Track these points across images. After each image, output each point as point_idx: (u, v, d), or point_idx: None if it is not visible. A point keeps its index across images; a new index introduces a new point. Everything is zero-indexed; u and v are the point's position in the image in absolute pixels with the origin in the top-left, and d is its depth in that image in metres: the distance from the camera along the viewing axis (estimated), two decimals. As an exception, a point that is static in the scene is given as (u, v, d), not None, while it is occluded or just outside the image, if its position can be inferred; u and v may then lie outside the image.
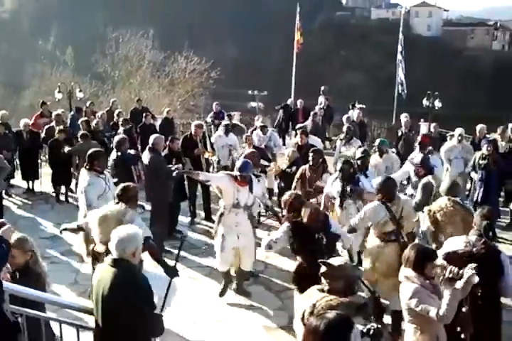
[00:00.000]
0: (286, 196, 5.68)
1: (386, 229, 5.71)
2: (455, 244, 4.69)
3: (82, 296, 6.22)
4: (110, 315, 3.68)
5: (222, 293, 6.69)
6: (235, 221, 6.49)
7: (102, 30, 36.70)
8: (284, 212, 5.99)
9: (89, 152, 6.99)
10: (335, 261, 3.93)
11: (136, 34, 33.48)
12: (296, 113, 15.59)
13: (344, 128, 10.82)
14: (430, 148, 8.97)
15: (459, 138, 10.27)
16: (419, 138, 9.15)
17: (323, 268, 3.86)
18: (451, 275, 4.00)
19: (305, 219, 5.31)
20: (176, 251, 5.44)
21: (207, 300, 6.66)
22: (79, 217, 6.97)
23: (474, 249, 4.54)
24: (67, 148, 10.51)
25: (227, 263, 6.67)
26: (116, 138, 8.79)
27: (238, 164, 6.50)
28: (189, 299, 6.56)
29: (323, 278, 3.83)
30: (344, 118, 12.85)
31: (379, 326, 3.42)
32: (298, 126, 10.56)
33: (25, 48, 48.55)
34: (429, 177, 7.18)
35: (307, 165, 8.01)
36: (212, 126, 14.34)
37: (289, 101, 17.17)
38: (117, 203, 5.43)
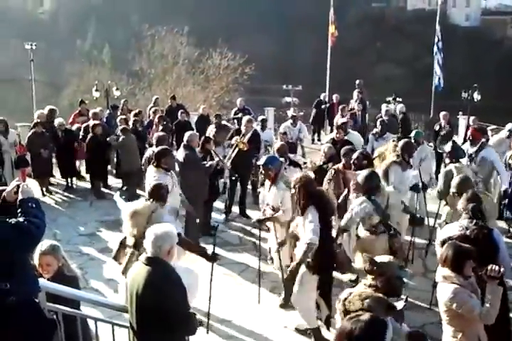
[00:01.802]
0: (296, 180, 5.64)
1: (373, 222, 5.81)
2: (450, 229, 5.03)
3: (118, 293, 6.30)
4: (144, 313, 3.70)
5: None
6: None
7: (138, 29, 37.06)
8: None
9: (157, 150, 7.13)
10: (380, 259, 3.87)
11: (171, 31, 33.72)
12: (331, 108, 15.45)
13: (378, 122, 10.57)
14: (483, 140, 8.74)
15: (508, 133, 9.97)
16: (469, 132, 8.89)
17: (367, 264, 3.82)
18: (492, 274, 3.89)
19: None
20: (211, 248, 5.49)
21: (242, 297, 6.67)
22: None
23: (468, 232, 4.84)
24: (110, 139, 10.79)
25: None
26: (156, 136, 8.90)
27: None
28: (224, 297, 6.56)
29: (368, 274, 3.80)
30: (383, 111, 12.58)
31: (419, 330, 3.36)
32: (339, 121, 10.36)
33: (63, 48, 49.48)
34: (452, 166, 7.08)
35: (340, 165, 7.57)
36: (236, 122, 14.32)
37: (322, 96, 17.03)
38: (148, 200, 5.56)
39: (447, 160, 7.47)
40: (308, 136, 11.10)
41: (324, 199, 5.51)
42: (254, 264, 7.37)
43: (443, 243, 4.72)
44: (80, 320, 3.88)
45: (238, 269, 7.51)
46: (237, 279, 7.23)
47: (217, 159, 8.65)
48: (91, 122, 11.41)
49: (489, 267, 3.93)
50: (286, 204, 6.24)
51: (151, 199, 5.54)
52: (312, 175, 8.39)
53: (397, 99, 15.18)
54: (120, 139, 10.76)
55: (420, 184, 7.64)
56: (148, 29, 33.92)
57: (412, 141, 8.77)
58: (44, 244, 4.21)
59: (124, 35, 47.32)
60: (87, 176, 11.68)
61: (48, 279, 4.13)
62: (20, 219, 3.33)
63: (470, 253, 4.15)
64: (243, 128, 9.61)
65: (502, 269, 3.92)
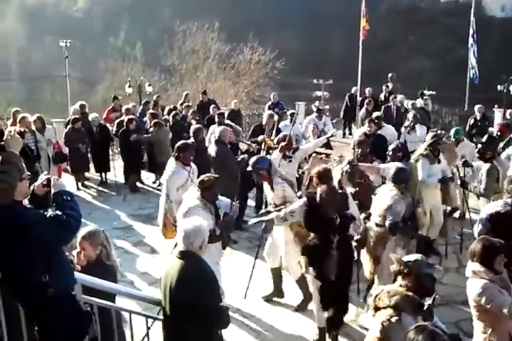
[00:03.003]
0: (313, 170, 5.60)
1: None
2: (494, 206, 5.36)
3: (153, 286, 6.40)
4: (178, 306, 3.75)
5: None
6: None
7: (170, 25, 37.26)
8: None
9: (179, 143, 7.18)
10: (407, 257, 3.79)
11: (202, 27, 33.83)
12: (363, 101, 15.31)
13: (409, 116, 10.47)
14: (511, 136, 8.61)
15: (540, 127, 9.78)
16: (496, 128, 8.79)
17: (394, 266, 3.75)
18: None
19: (318, 197, 5.16)
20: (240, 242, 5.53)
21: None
22: (160, 203, 7.17)
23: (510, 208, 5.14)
24: (136, 136, 11.02)
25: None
26: (193, 128, 9.03)
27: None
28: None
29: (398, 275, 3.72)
30: (409, 105, 12.57)
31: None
32: (374, 114, 10.31)
33: (97, 45, 50.12)
34: (494, 162, 6.97)
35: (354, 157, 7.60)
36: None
37: (353, 90, 16.90)
38: (197, 190, 5.52)
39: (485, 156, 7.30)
40: (334, 130, 11.03)
41: (323, 198, 5.17)
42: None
43: (490, 216, 5.19)
44: (114, 313, 3.95)
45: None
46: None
47: (245, 147, 8.81)
48: (125, 117, 11.60)
49: None
50: (291, 196, 6.16)
51: (199, 194, 5.48)
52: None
53: (425, 93, 14.96)
54: (154, 133, 10.96)
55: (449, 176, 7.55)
56: (179, 25, 34.07)
57: (453, 139, 8.71)
58: (85, 229, 4.30)
59: (155, 31, 47.69)
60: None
61: (83, 266, 4.23)
62: (58, 212, 3.41)
63: (500, 248, 4.09)
64: (264, 124, 9.62)
65: None
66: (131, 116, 11.49)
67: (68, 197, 3.57)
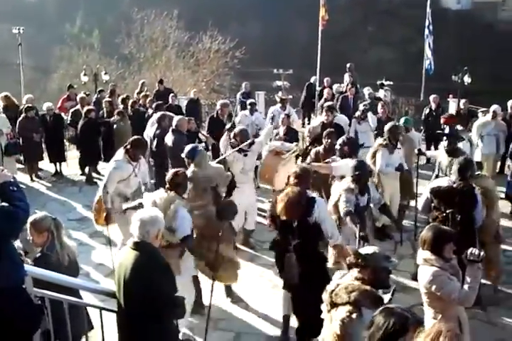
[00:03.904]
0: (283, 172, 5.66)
1: None
2: (440, 182, 5.88)
3: (109, 277, 6.31)
4: (132, 297, 3.70)
5: None
6: None
7: (127, 12, 36.53)
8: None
9: (134, 138, 6.97)
10: (364, 250, 3.76)
11: (161, 15, 33.31)
12: (322, 91, 15.38)
13: (360, 106, 10.41)
14: (459, 127, 8.82)
15: (493, 114, 10.06)
16: (442, 120, 9.05)
17: (351, 257, 3.71)
18: (471, 258, 3.89)
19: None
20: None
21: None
22: (98, 191, 7.00)
23: (455, 185, 5.63)
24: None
25: None
26: (159, 115, 8.99)
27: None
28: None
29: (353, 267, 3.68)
30: (366, 94, 12.57)
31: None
32: (326, 103, 10.29)
33: (52, 32, 48.71)
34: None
35: (321, 148, 7.65)
36: (239, 106, 14.27)
37: (312, 80, 16.92)
38: (167, 189, 5.33)
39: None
40: (298, 120, 11.02)
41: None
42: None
43: (433, 190, 5.75)
44: (67, 305, 3.85)
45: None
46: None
47: (204, 138, 8.78)
48: (80, 107, 11.37)
49: (469, 251, 3.93)
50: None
51: (169, 190, 5.31)
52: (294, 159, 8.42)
53: (385, 83, 15.12)
54: (117, 122, 10.72)
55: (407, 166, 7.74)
56: (137, 12, 33.48)
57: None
58: (33, 216, 4.16)
59: (113, 18, 46.65)
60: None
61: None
62: (5, 204, 3.29)
63: (450, 236, 4.16)
64: (219, 113, 9.64)
65: (482, 253, 3.92)
66: (90, 107, 11.24)
67: (15, 187, 3.46)
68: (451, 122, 8.96)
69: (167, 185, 5.36)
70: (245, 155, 7.22)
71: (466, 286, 3.92)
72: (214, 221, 5.57)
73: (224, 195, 6.99)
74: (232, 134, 7.56)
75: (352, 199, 5.70)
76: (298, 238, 5.07)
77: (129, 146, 6.78)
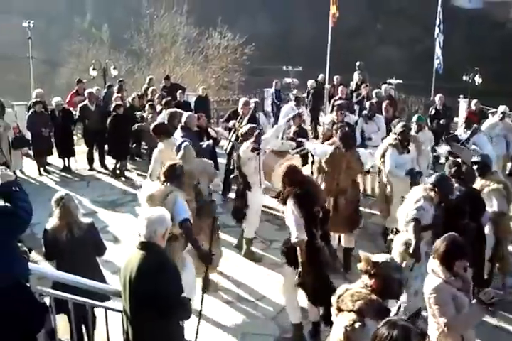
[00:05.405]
0: (280, 170, 5.49)
1: None
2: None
3: (116, 274, 6.27)
4: (138, 298, 3.67)
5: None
6: None
7: (137, 7, 36.52)
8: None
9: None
10: (377, 257, 3.59)
11: (171, 10, 33.27)
12: (333, 89, 15.25)
13: (367, 104, 10.19)
14: (475, 126, 8.72)
15: (501, 115, 9.97)
16: (464, 115, 8.89)
17: (361, 264, 3.59)
18: (483, 298, 3.68)
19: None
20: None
21: (240, 278, 6.67)
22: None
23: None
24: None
25: None
26: (169, 112, 8.84)
27: None
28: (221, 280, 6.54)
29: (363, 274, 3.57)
30: (373, 93, 12.37)
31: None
32: (336, 102, 10.15)
33: (62, 26, 48.79)
34: None
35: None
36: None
37: (320, 77, 16.73)
38: (164, 182, 5.35)
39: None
40: (308, 119, 10.91)
41: (306, 188, 5.20)
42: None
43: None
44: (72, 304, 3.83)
45: (235, 251, 7.51)
46: (234, 261, 7.23)
47: (214, 134, 8.75)
48: (89, 102, 11.37)
49: (485, 290, 3.73)
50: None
51: (166, 182, 5.34)
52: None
53: (391, 81, 14.97)
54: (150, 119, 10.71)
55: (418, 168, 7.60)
56: (147, 7, 33.46)
57: (415, 125, 8.69)
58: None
59: (122, 13, 46.62)
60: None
61: None
62: (8, 205, 3.27)
63: (462, 253, 3.95)
64: (240, 111, 9.46)
65: (495, 298, 3.61)
66: (119, 103, 11.23)
67: (16, 187, 3.43)
68: (475, 119, 8.80)
69: (162, 178, 5.36)
70: (258, 153, 7.16)
71: (462, 316, 3.76)
72: (195, 218, 5.59)
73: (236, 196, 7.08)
74: (241, 132, 7.51)
75: (428, 209, 5.29)
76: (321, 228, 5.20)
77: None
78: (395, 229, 6.01)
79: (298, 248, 5.04)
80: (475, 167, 6.29)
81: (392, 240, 5.75)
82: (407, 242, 5.22)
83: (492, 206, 6.04)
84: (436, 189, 5.37)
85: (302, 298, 5.45)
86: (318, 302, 5.17)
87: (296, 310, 5.50)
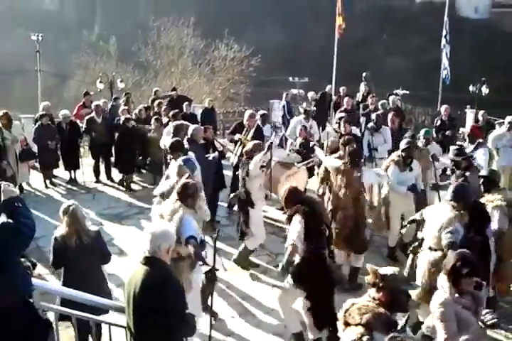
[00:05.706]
0: (282, 191, 5.47)
1: None
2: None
3: (121, 287, 6.25)
4: (142, 313, 3.63)
5: None
6: None
7: (144, 19, 36.89)
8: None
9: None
10: (384, 270, 3.60)
11: (178, 22, 33.54)
12: (339, 101, 15.22)
13: (373, 116, 10.03)
14: (480, 140, 8.65)
15: (508, 125, 9.89)
16: (467, 130, 8.80)
17: (369, 277, 3.59)
18: (485, 319, 3.63)
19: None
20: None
21: (244, 292, 6.61)
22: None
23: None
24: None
25: None
26: (174, 124, 8.75)
27: None
28: (224, 293, 6.49)
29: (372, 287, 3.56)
30: (379, 104, 12.28)
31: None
32: (340, 115, 10.10)
33: (70, 39, 49.36)
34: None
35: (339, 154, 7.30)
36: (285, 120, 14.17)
37: (327, 89, 16.69)
38: (176, 200, 5.30)
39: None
40: (318, 132, 10.86)
41: (312, 206, 5.21)
42: (255, 259, 7.40)
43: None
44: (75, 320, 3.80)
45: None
46: (239, 274, 7.18)
47: (219, 147, 8.73)
48: (95, 115, 11.40)
49: (486, 311, 3.69)
50: None
51: (178, 200, 5.26)
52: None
53: (398, 92, 14.93)
54: (154, 130, 10.81)
55: (422, 186, 7.57)
56: (154, 20, 33.74)
57: (423, 140, 8.62)
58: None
59: (130, 26, 47.10)
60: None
61: None
62: (10, 221, 3.26)
63: (472, 271, 3.86)
64: (246, 123, 9.45)
65: (495, 320, 3.68)
66: (128, 116, 11.28)
67: (19, 203, 3.42)
68: (478, 134, 8.71)
69: (176, 197, 5.31)
70: (263, 171, 7.13)
71: (462, 338, 3.68)
72: None
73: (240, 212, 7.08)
74: (245, 150, 7.44)
75: (460, 230, 5.17)
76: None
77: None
78: (410, 219, 6.12)
79: (290, 248, 4.97)
80: (481, 181, 6.20)
81: (405, 226, 6.26)
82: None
83: (493, 222, 5.91)
84: (461, 202, 5.30)
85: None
86: (323, 326, 5.13)
87: (295, 319, 5.45)
